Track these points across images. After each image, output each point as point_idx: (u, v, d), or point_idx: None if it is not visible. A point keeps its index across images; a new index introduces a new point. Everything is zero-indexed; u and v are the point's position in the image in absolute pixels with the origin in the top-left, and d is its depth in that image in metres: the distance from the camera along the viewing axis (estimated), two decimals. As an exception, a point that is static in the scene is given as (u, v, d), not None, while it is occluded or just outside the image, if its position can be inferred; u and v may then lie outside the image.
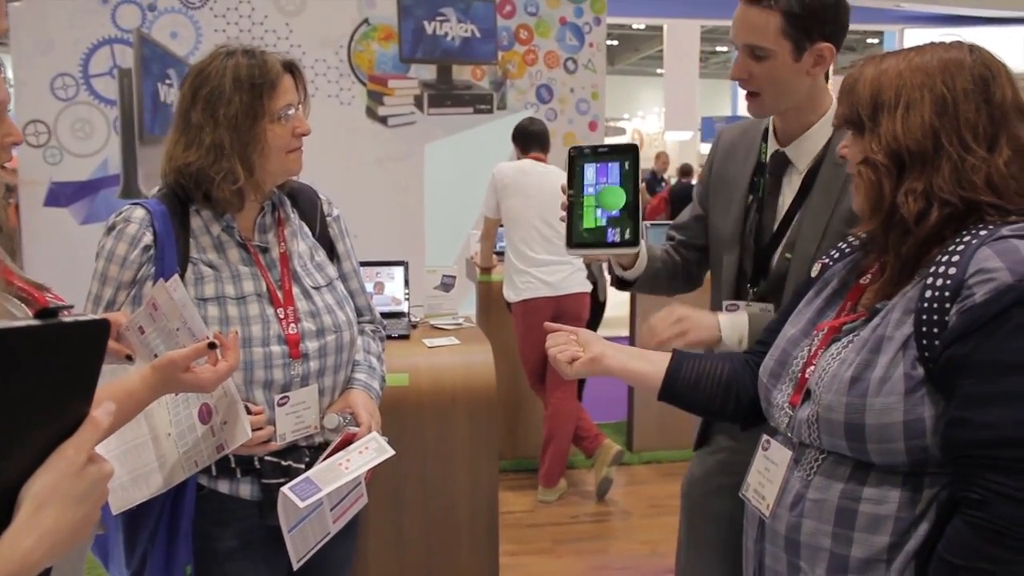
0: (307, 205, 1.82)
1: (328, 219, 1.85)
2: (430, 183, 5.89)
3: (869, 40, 11.73)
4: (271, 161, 1.63)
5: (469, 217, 4.59)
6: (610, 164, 1.55)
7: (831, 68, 1.67)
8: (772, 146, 1.74)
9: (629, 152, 1.55)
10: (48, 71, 5.15)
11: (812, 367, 1.21)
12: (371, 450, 1.66)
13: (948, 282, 1.08)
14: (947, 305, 1.07)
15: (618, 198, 1.53)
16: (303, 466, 1.65)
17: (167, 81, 5.29)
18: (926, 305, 1.09)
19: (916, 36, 8.95)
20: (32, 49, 5.11)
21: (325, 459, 1.62)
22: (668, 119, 14.81)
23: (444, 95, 5.95)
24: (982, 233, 1.10)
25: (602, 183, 1.55)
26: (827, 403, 1.15)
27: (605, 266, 1.67)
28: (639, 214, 1.53)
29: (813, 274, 1.36)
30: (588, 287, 4.07)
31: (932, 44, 1.19)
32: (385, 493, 2.42)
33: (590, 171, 1.56)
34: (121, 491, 1.52)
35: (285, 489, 1.53)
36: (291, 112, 1.63)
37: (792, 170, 1.71)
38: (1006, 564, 1.01)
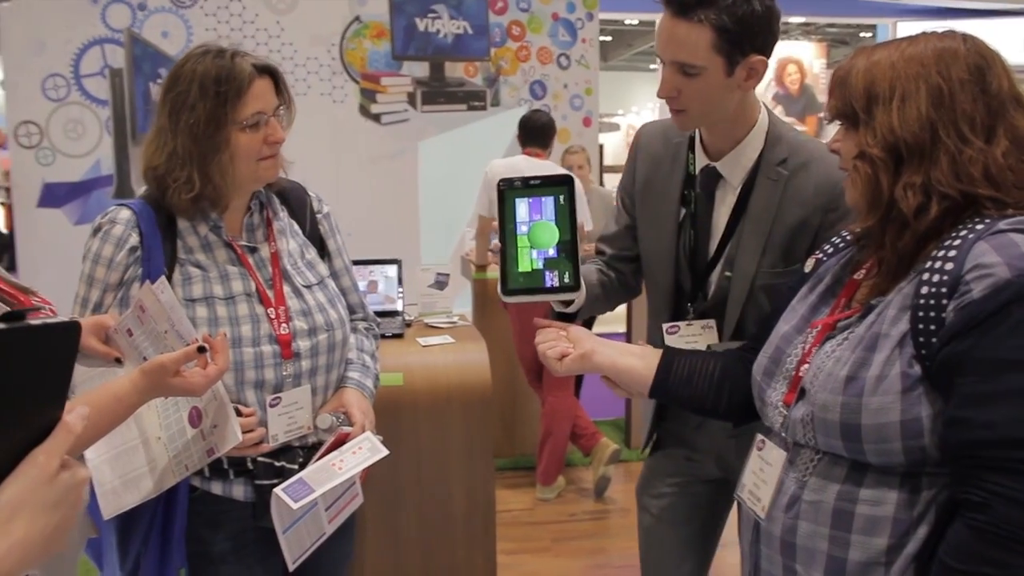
0: (297, 203, 1.81)
1: (318, 216, 1.83)
2: (425, 180, 5.89)
3: (862, 34, 11.71)
4: (240, 169, 1.59)
5: (464, 214, 4.59)
6: (543, 198, 1.40)
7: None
8: (701, 159, 1.68)
9: (563, 184, 1.41)
10: (39, 72, 5.13)
11: (806, 365, 1.19)
12: (365, 450, 1.65)
13: (945, 278, 1.06)
14: (944, 301, 1.05)
15: (553, 236, 1.39)
16: (296, 467, 1.64)
17: (159, 80, 5.27)
18: (922, 301, 1.07)
19: (909, 29, 8.93)
20: (23, 50, 5.09)
21: (318, 460, 1.61)
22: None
23: (437, 92, 5.95)
24: (979, 227, 1.07)
25: (536, 220, 1.40)
26: (822, 402, 1.13)
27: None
28: (578, 254, 1.39)
29: (807, 269, 1.34)
30: (584, 283, 4.05)
31: (925, 34, 1.17)
32: (381, 493, 2.40)
33: (522, 207, 1.41)
34: (112, 496, 1.51)
35: (278, 491, 1.52)
36: (261, 119, 1.58)
37: (725, 185, 1.65)
38: (1010, 569, 0.98)
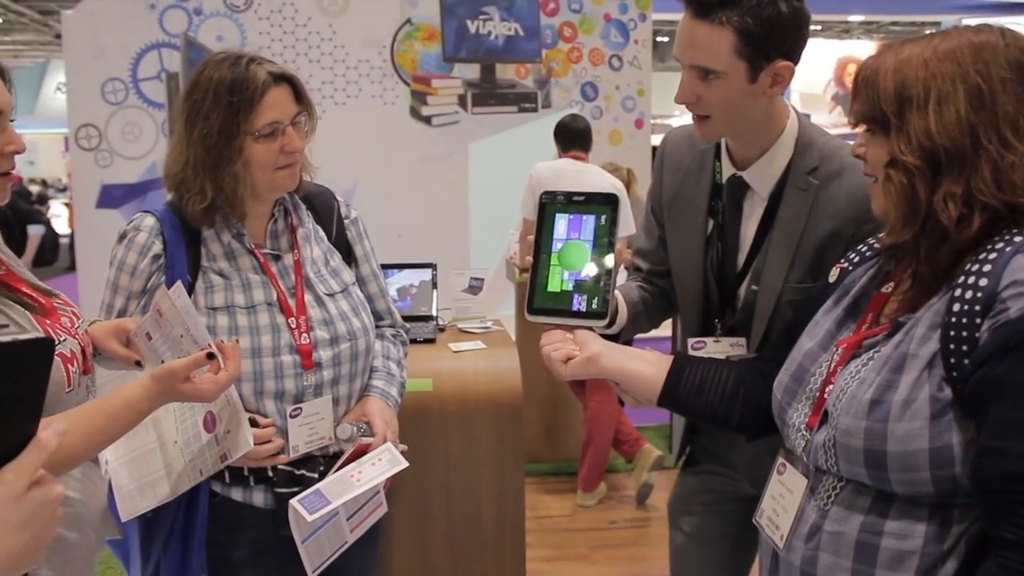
0: (323, 208, 1.79)
1: (345, 221, 1.81)
2: (475, 182, 5.88)
3: (928, 31, 11.37)
4: (256, 178, 1.58)
5: (515, 216, 4.55)
6: (585, 216, 1.34)
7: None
8: (727, 168, 1.60)
9: (608, 204, 1.34)
10: (99, 76, 5.25)
11: (831, 386, 1.11)
12: (384, 461, 1.63)
13: (979, 294, 0.98)
14: (978, 320, 0.97)
15: (584, 258, 1.32)
16: (316, 476, 1.62)
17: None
18: (954, 320, 0.99)
19: (978, 27, 8.61)
20: (84, 55, 5.22)
21: (336, 471, 1.60)
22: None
23: (488, 94, 5.93)
24: (1017, 239, 0.99)
25: (573, 238, 1.34)
26: (844, 427, 1.05)
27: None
28: (612, 279, 1.33)
29: (832, 279, 1.26)
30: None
31: (957, 28, 1.08)
32: (408, 500, 2.39)
33: (561, 223, 1.34)
34: (129, 499, 1.52)
35: (294, 502, 1.51)
36: (277, 128, 1.56)
37: (753, 195, 1.57)
38: None
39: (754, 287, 1.55)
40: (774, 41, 1.38)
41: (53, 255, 8.47)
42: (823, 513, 1.10)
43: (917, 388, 1.00)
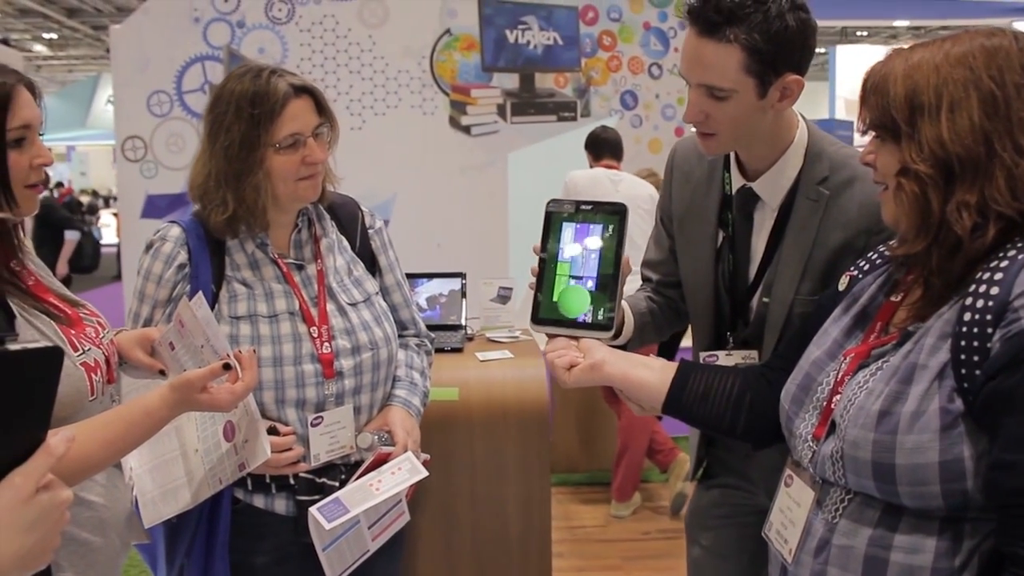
0: (347, 218, 1.81)
1: (370, 231, 1.83)
2: (514, 191, 5.89)
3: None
4: (278, 189, 1.59)
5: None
6: (591, 225, 1.34)
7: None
8: (737, 179, 1.57)
9: (616, 215, 1.34)
10: (145, 88, 5.38)
11: (839, 395, 1.09)
12: (404, 471, 1.64)
13: (990, 304, 0.96)
14: (989, 330, 0.95)
15: (594, 270, 1.32)
16: (337, 484, 1.64)
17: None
18: (965, 329, 0.97)
19: (1031, 29, 8.40)
20: (130, 68, 5.35)
21: (356, 479, 1.61)
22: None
23: (527, 103, 5.94)
24: None
25: (579, 248, 1.34)
26: (852, 439, 1.03)
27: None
28: (618, 291, 1.32)
29: (841, 287, 1.23)
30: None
31: (968, 32, 1.05)
32: (434, 509, 2.39)
33: (568, 232, 1.35)
34: (151, 506, 1.54)
35: (313, 510, 1.52)
36: (299, 140, 1.57)
37: (763, 206, 1.55)
38: None
39: (765, 299, 1.53)
40: (783, 56, 1.36)
41: (93, 262, 8.55)
42: (831, 526, 1.08)
43: (927, 399, 0.98)
